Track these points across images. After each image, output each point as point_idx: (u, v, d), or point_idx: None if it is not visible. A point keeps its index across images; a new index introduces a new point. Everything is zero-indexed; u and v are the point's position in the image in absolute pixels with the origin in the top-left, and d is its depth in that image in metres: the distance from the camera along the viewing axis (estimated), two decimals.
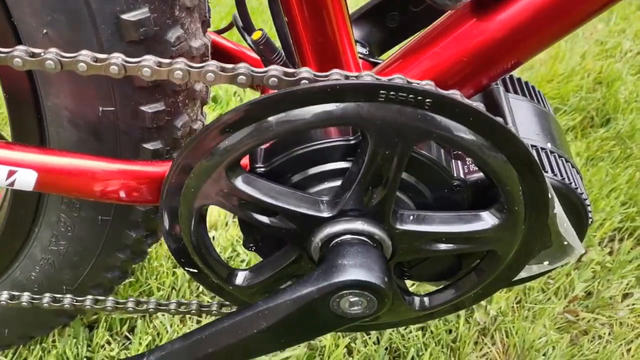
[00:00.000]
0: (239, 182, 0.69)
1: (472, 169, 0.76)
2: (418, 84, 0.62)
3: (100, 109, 0.72)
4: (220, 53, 0.96)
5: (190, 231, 0.75)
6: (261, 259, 0.83)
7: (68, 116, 0.73)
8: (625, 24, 2.17)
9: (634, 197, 1.60)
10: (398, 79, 0.61)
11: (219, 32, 0.97)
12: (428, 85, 0.62)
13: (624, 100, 1.85)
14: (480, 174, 0.75)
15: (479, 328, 1.35)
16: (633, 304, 1.42)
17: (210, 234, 1.45)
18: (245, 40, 0.81)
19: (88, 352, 1.23)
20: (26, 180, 0.70)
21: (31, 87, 0.72)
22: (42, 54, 0.62)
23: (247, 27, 0.81)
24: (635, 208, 1.58)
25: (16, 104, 0.74)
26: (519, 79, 0.93)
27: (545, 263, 0.87)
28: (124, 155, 0.77)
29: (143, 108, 0.73)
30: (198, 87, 0.79)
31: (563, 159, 0.82)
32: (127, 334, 1.26)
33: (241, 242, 1.47)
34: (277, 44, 0.84)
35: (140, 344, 1.23)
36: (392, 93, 0.60)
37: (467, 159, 0.77)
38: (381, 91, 0.60)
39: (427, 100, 0.61)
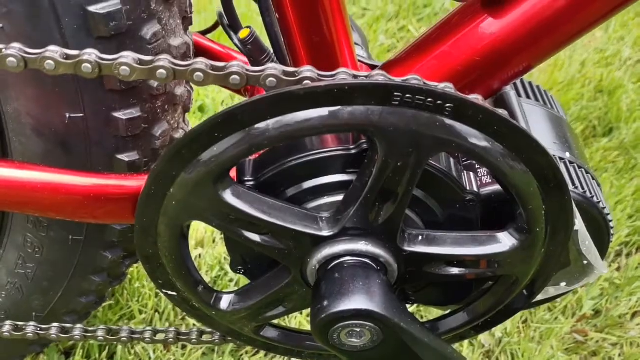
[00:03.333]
0: (228, 195, 0.61)
1: (484, 182, 0.69)
2: (436, 86, 0.54)
3: (67, 115, 0.63)
4: (204, 56, 0.88)
5: (170, 251, 0.67)
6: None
7: (32, 124, 0.65)
8: (624, 32, 2.11)
9: None
10: (414, 79, 0.53)
11: (203, 32, 0.90)
12: (448, 88, 0.54)
13: (626, 109, 1.79)
14: (494, 187, 0.68)
15: (484, 351, 1.27)
16: None
17: (197, 252, 1.36)
18: (232, 39, 0.73)
19: None
20: None
21: None
22: (3, 50, 0.53)
23: (233, 25, 0.73)
24: None
25: None
26: (530, 83, 0.86)
27: (563, 284, 0.80)
28: (96, 168, 0.69)
29: (116, 114, 0.65)
30: (179, 91, 0.71)
31: (583, 169, 0.75)
32: None
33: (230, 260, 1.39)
34: (267, 43, 0.76)
35: None
36: (407, 96, 0.52)
37: (478, 171, 0.70)
38: (396, 93, 0.52)
39: (448, 105, 0.53)
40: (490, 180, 0.69)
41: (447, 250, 0.65)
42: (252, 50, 0.72)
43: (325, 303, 0.60)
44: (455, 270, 0.67)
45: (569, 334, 1.32)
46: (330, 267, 0.64)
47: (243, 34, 0.71)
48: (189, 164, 0.59)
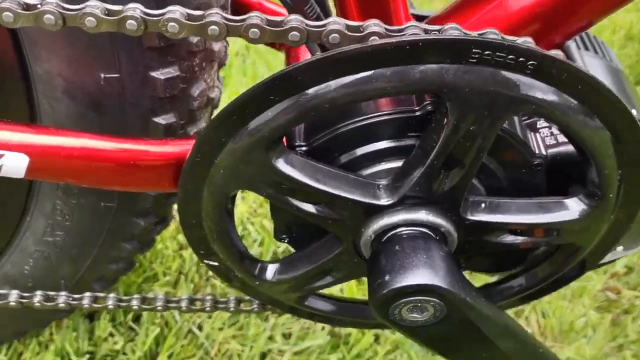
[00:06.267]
0: (281, 163, 0.56)
1: (548, 143, 0.64)
2: (519, 42, 0.48)
3: (102, 76, 0.58)
4: (235, 6, 0.82)
5: (214, 220, 0.63)
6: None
7: (63, 85, 0.60)
8: None
9: None
10: (492, 34, 0.47)
11: None
12: (529, 43, 0.49)
13: None
14: (560, 149, 0.63)
15: (513, 310, 1.24)
16: None
17: None
18: None
19: (90, 345, 1.11)
20: (16, 166, 0.57)
21: (16, 50, 0.58)
22: (39, 5, 0.48)
23: None
24: None
25: None
26: (587, 33, 0.80)
27: (620, 248, 0.76)
28: (131, 132, 0.64)
29: (153, 74, 0.60)
30: (217, 47, 0.65)
31: None
32: (132, 325, 1.14)
33: (252, 219, 1.35)
34: None
35: (147, 335, 1.11)
36: (487, 52, 0.47)
37: (541, 131, 0.65)
38: (474, 49, 0.47)
39: (530, 62, 0.48)
40: (554, 142, 0.64)
41: (511, 219, 0.61)
42: (294, 1, 0.66)
43: (387, 278, 0.56)
44: (517, 239, 0.63)
45: (601, 292, 1.29)
46: (387, 237, 0.60)
47: None
48: (239, 129, 0.54)
